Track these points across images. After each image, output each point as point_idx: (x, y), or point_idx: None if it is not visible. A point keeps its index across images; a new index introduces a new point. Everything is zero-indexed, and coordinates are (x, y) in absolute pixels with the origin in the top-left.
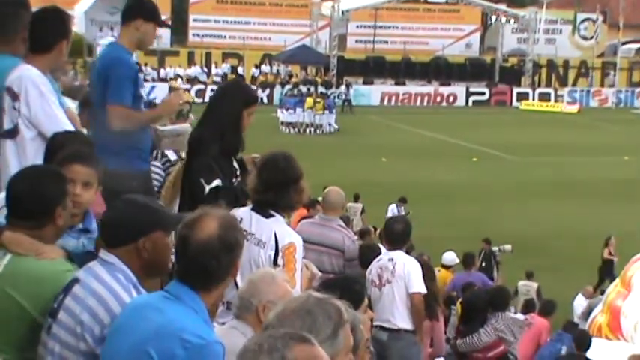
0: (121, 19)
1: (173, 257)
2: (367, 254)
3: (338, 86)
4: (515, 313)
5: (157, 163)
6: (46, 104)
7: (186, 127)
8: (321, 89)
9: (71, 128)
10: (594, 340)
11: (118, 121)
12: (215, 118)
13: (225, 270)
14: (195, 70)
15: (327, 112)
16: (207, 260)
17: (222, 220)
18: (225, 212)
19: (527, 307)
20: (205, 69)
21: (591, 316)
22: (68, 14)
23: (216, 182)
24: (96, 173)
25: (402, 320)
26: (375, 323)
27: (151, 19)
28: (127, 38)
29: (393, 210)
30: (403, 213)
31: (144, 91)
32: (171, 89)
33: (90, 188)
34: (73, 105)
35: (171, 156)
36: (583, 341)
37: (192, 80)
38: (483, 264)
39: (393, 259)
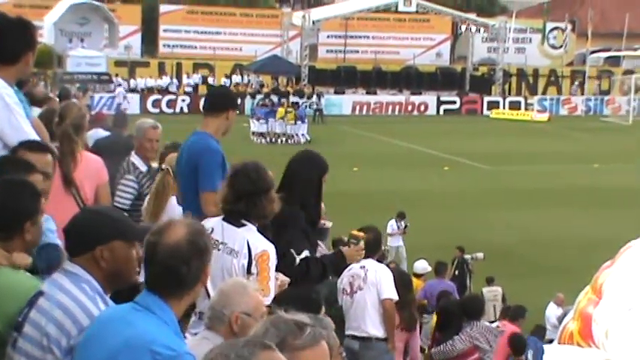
0: (207, 108)
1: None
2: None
3: (310, 96)
4: (494, 321)
5: (131, 177)
6: (12, 116)
7: None
8: (294, 99)
9: (37, 138)
10: (566, 348)
11: (212, 207)
12: (297, 190)
13: (195, 276)
14: (165, 81)
15: (298, 122)
16: (177, 265)
17: (190, 227)
18: (193, 220)
19: (502, 314)
20: (176, 80)
21: (563, 324)
22: (33, 25)
23: (305, 252)
24: (52, 162)
25: (374, 327)
26: (347, 332)
27: (237, 107)
28: (216, 126)
29: (392, 225)
30: (403, 227)
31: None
32: (352, 239)
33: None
34: (36, 113)
35: (142, 167)
36: (517, 345)
37: (163, 91)
38: (456, 272)
39: (364, 267)
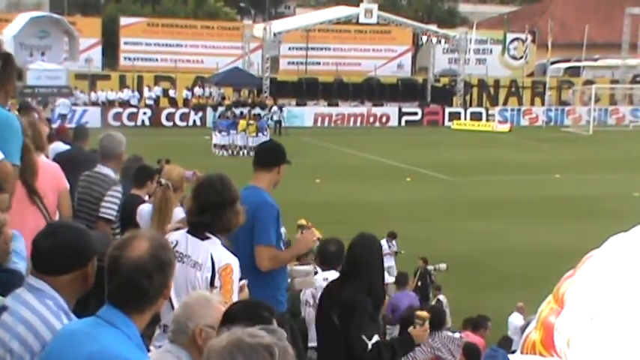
0: (260, 163)
1: None
2: None
3: (271, 108)
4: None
5: (118, 188)
6: None
7: (311, 267)
8: (255, 111)
9: None
10: (528, 358)
11: (267, 261)
12: (363, 276)
13: (158, 290)
14: (127, 94)
15: (260, 134)
16: (139, 279)
17: (153, 241)
18: (155, 233)
19: (465, 324)
20: (137, 92)
21: (525, 333)
22: None
23: (376, 337)
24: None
25: None
26: (309, 344)
27: (288, 161)
28: (268, 181)
29: (382, 245)
30: (395, 249)
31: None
32: (301, 227)
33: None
34: None
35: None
36: (470, 355)
37: (124, 104)
38: (419, 283)
39: (327, 279)
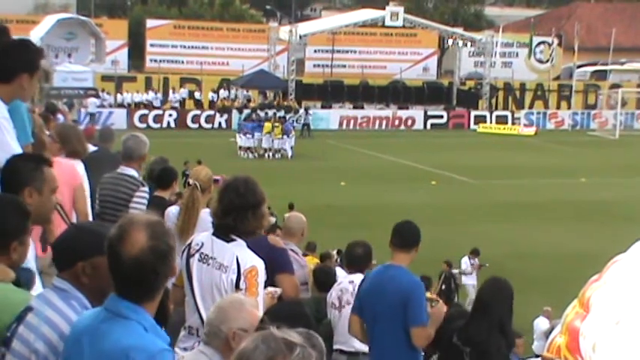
0: (400, 245)
1: None
2: (321, 277)
3: (297, 111)
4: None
5: (145, 189)
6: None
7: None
8: (281, 113)
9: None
10: None
11: (424, 341)
12: (495, 319)
13: (164, 277)
14: (151, 96)
15: (285, 136)
16: (144, 275)
17: (150, 229)
18: (151, 216)
19: None
20: (160, 94)
21: (550, 338)
22: (37, 49)
23: None
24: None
25: (361, 342)
26: (334, 347)
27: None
28: (409, 260)
29: (466, 262)
30: (476, 263)
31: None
32: (430, 301)
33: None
34: None
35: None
36: None
37: (149, 106)
38: (443, 287)
39: (353, 282)
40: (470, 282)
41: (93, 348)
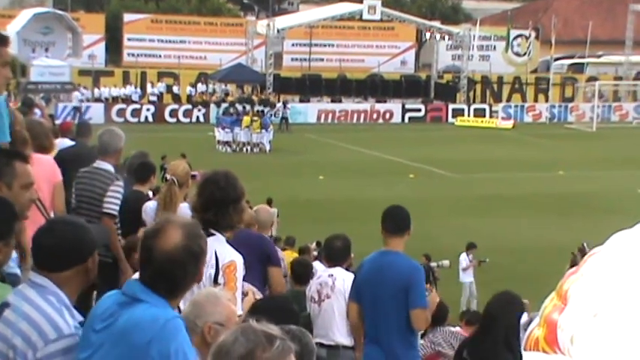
0: (392, 230)
1: None
2: (299, 270)
3: (274, 105)
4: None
5: (120, 183)
6: None
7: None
8: (259, 107)
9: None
10: (531, 355)
11: (424, 323)
12: (501, 335)
13: (191, 278)
14: (129, 90)
15: (263, 130)
16: (173, 271)
17: (186, 229)
18: (188, 220)
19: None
20: (138, 89)
21: (528, 330)
22: (4, 37)
23: None
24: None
25: (341, 336)
26: (315, 340)
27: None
28: (403, 245)
29: (464, 259)
30: (475, 260)
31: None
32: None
33: None
34: None
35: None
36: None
37: (127, 100)
38: None
39: (332, 275)
40: (467, 280)
41: (109, 329)
